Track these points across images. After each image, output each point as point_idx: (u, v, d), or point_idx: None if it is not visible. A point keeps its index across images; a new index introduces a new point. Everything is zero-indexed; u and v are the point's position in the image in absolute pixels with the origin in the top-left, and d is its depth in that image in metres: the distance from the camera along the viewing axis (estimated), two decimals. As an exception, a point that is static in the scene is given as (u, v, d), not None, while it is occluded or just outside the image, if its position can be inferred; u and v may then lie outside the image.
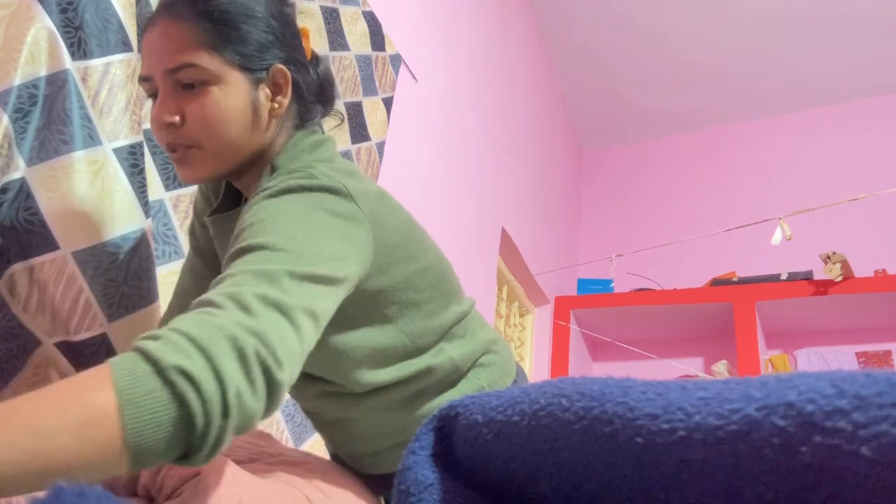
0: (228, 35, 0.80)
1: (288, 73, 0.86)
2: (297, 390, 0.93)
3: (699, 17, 3.24)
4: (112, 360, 0.51)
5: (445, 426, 0.42)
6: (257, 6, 0.83)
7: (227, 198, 0.95)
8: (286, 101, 0.86)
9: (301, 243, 0.67)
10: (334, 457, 1.05)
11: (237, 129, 0.82)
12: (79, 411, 0.47)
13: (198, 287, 1.00)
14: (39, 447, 0.45)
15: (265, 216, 0.70)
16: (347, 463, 0.98)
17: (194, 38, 0.79)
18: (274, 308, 0.59)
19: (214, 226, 0.92)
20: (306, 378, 0.89)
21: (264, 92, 0.84)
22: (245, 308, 0.57)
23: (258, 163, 0.87)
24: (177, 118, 0.80)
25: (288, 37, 0.87)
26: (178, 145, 0.81)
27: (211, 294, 0.59)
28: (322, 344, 0.79)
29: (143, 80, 0.82)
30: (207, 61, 0.79)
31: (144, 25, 0.83)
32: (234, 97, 0.81)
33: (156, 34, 0.80)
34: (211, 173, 0.83)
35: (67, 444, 0.46)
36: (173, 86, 0.80)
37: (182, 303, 1.01)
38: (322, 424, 0.97)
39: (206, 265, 1.02)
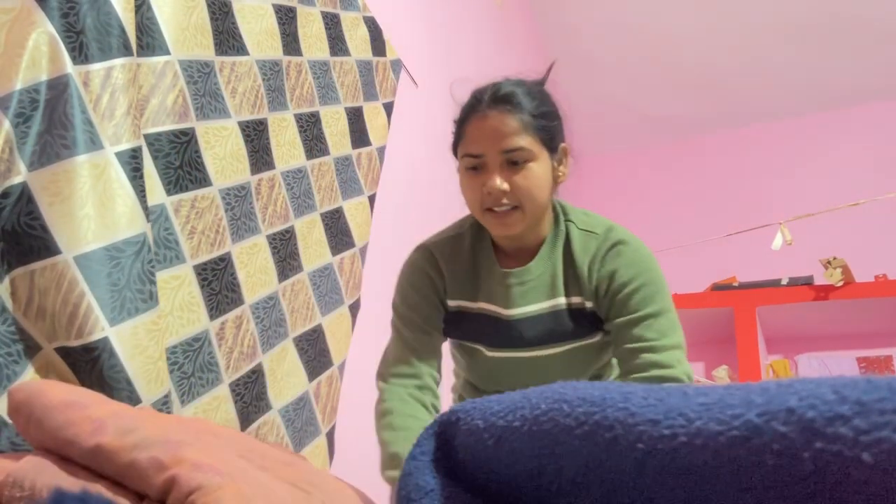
0: (544, 126, 1.07)
1: (569, 149, 1.14)
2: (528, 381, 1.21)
3: (700, 22, 3.24)
4: None
5: (446, 431, 0.42)
6: (555, 105, 1.12)
7: (480, 251, 1.18)
8: (567, 171, 1.14)
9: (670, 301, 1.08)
10: None
11: (545, 194, 1.09)
12: None
13: (433, 359, 1.18)
14: None
15: (646, 278, 1.07)
16: None
17: (524, 127, 1.05)
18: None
19: (514, 277, 1.14)
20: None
21: (555, 164, 1.11)
22: (689, 377, 1.04)
23: (540, 220, 1.14)
24: (507, 186, 1.05)
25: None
26: (502, 206, 1.06)
27: (670, 370, 1.01)
28: (604, 352, 1.21)
29: (473, 156, 1.07)
30: (531, 145, 1.06)
31: (472, 110, 1.09)
32: (543, 170, 1.08)
33: (494, 122, 1.05)
34: (521, 229, 1.10)
35: None
36: (505, 162, 1.05)
37: (420, 381, 1.14)
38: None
39: (437, 336, 1.19)
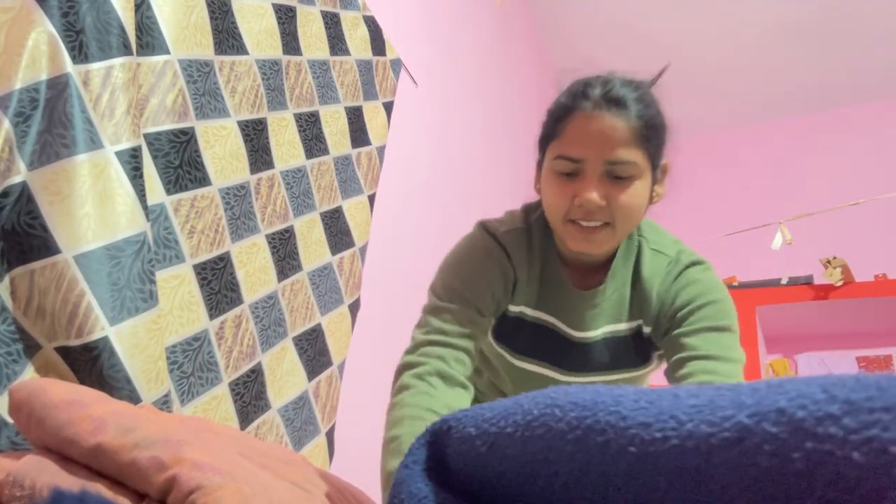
0: (654, 140, 0.95)
1: (669, 168, 1.02)
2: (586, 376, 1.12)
3: (700, 22, 3.24)
4: None
5: (438, 441, 0.42)
6: (664, 117, 0.99)
7: (547, 255, 1.07)
8: (663, 192, 1.03)
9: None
10: None
11: (641, 215, 0.98)
12: None
13: (475, 349, 0.99)
14: None
15: (715, 297, 0.96)
16: None
17: (635, 138, 0.92)
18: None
19: (588, 299, 1.05)
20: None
21: (653, 184, 0.99)
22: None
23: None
24: (604, 202, 0.93)
25: None
26: (592, 221, 0.94)
27: (723, 375, 0.86)
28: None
29: (569, 159, 0.94)
30: (639, 159, 0.93)
31: (577, 107, 0.95)
32: (645, 189, 0.96)
33: (602, 126, 0.92)
34: (607, 249, 0.99)
35: None
36: (606, 173, 0.93)
37: (463, 353, 0.96)
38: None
39: (486, 327, 1.03)
